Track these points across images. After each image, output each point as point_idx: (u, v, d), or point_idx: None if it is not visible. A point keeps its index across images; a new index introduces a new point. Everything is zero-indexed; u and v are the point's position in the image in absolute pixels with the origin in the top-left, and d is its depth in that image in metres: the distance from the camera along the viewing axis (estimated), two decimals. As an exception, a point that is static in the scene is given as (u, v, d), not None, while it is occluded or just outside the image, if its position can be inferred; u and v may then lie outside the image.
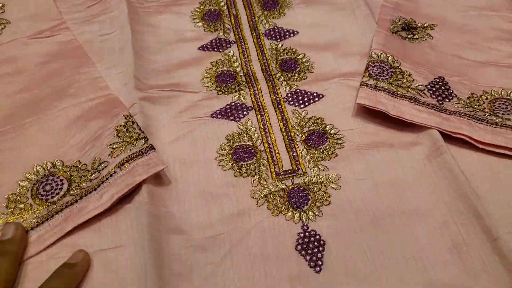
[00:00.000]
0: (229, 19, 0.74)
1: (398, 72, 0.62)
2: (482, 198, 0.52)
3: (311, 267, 0.47)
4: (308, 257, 0.48)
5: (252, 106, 0.61)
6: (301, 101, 0.62)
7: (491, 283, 0.45)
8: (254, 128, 0.59)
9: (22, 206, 0.51)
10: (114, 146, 0.54)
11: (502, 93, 0.62)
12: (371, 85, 0.60)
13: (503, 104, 0.60)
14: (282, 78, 0.64)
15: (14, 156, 0.55)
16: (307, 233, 0.49)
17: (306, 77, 0.65)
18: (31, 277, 0.46)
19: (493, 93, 0.62)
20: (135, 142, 0.54)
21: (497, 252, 0.47)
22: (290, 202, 0.52)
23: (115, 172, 0.51)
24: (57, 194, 0.51)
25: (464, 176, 0.52)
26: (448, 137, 0.57)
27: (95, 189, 0.51)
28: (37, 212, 0.50)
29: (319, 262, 0.47)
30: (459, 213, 0.50)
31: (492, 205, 0.52)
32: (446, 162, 0.54)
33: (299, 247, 0.48)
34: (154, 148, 0.53)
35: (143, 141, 0.54)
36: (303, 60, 0.67)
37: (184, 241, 0.49)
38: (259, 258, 0.48)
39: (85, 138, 0.56)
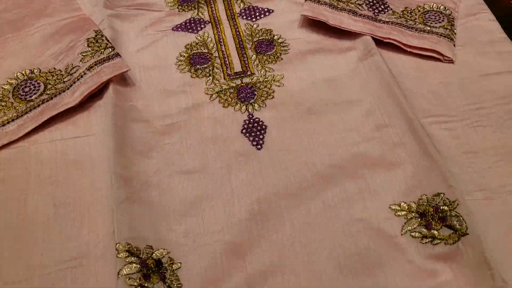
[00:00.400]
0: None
1: (340, -11, 0.67)
2: (408, 92, 0.58)
3: (253, 145, 0.53)
4: (251, 138, 0.54)
5: (209, 20, 0.66)
6: (253, 16, 0.67)
7: (405, 153, 0.52)
8: (210, 38, 0.64)
9: (4, 104, 0.56)
10: (85, 54, 0.59)
11: (434, 6, 0.67)
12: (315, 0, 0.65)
13: (432, 15, 0.65)
14: (237, -3, 0.70)
15: (-3, 65, 0.61)
16: (251, 120, 0.56)
17: (259, -4, 0.70)
18: (16, 158, 0.52)
19: (425, 6, 0.67)
20: (103, 50, 0.59)
21: (412, 130, 0.53)
22: (238, 97, 0.58)
23: (85, 73, 0.57)
24: (34, 94, 0.57)
25: (390, 73, 0.58)
26: (382, 44, 0.63)
27: (68, 88, 0.56)
28: (18, 108, 0.56)
29: (261, 142, 0.54)
30: (384, 102, 0.56)
31: (415, 97, 0.58)
32: (375, 62, 0.60)
33: (244, 130, 0.55)
34: (120, 55, 0.59)
35: (110, 50, 0.59)
36: (258, -18, 0.72)
37: (145, 128, 0.55)
38: (210, 140, 0.54)
39: (59, 49, 0.62)
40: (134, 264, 0.42)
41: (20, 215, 0.48)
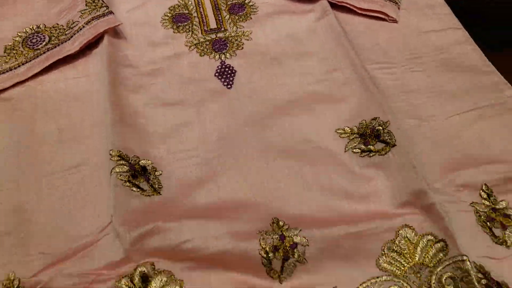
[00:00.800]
0: None
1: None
2: (358, 45, 0.67)
3: (224, 85, 0.62)
4: (223, 79, 0.63)
5: (190, -13, 0.75)
6: (227, -16, 0.76)
7: (349, 91, 0.61)
8: (190, 1, 0.73)
9: (15, 51, 0.65)
10: (83, 12, 0.68)
11: (384, -22, 0.76)
12: (281, -30, 0.74)
13: None
14: (215, -32, 0.78)
15: (8, 22, 0.69)
16: (223, 66, 0.64)
17: (234, -32, 0.79)
18: (25, 95, 0.61)
19: (377, -22, 0.76)
20: (99, 8, 0.68)
21: (357, 72, 0.62)
22: (213, 48, 0.67)
23: (83, 26, 0.65)
24: (41, 44, 0.65)
25: (342, 30, 0.67)
26: (337, 7, 0.72)
27: (69, 39, 0.65)
28: (27, 55, 0.64)
29: (231, 83, 0.62)
30: (335, 53, 0.65)
31: (363, 49, 0.67)
32: (329, 21, 0.69)
33: (217, 74, 0.63)
34: (113, 13, 0.68)
35: (105, 8, 0.68)
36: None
37: (134, 71, 0.63)
38: (188, 81, 0.63)
39: (61, 9, 0.70)
40: (124, 166, 0.51)
41: (30, 136, 0.56)
